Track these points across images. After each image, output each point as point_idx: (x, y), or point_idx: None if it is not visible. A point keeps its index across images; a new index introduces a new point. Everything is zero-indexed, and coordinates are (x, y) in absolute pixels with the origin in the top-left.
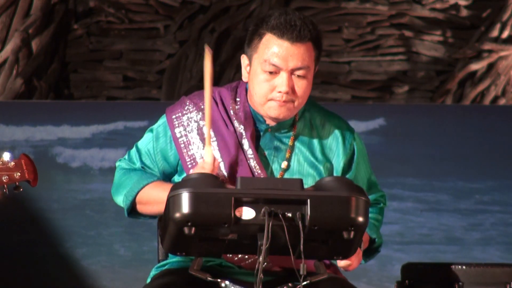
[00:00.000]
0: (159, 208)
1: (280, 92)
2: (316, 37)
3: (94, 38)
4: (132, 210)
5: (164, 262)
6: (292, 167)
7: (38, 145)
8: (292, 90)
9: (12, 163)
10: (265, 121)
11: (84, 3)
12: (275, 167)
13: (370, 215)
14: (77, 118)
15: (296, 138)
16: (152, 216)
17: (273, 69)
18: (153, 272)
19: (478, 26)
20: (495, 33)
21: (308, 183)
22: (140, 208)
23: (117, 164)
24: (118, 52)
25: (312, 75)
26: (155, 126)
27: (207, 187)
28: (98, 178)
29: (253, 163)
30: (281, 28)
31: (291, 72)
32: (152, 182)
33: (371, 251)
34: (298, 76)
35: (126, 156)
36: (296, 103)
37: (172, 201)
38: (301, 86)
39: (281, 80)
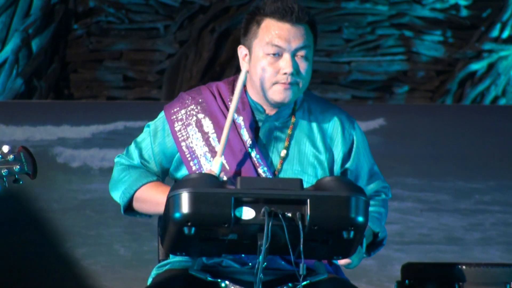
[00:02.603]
0: (155, 208)
1: (285, 73)
2: (312, 20)
3: (94, 38)
4: (129, 207)
5: (165, 262)
6: (292, 156)
7: (38, 145)
8: (296, 72)
9: (11, 156)
10: (264, 110)
11: (84, 3)
12: (274, 156)
13: (371, 208)
14: (77, 118)
15: (295, 127)
16: (148, 215)
17: (276, 51)
18: (154, 272)
19: (478, 26)
20: (495, 33)
21: (308, 172)
22: (137, 205)
23: (116, 160)
24: (118, 52)
25: (312, 57)
26: (152, 122)
27: (207, 187)
28: (98, 178)
29: (253, 153)
30: (280, 12)
31: (294, 53)
32: (151, 182)
33: (375, 245)
34: (301, 57)
35: (124, 152)
36: (300, 85)
37: (172, 201)
38: (304, 67)
39: (285, 62)
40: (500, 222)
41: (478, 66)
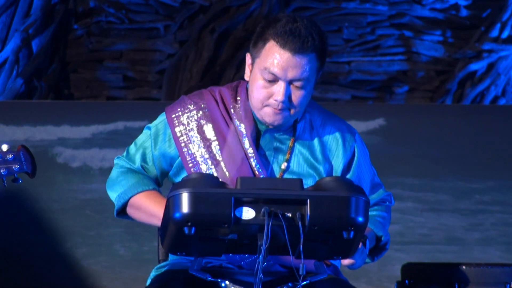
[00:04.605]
0: (148, 219)
1: (276, 100)
2: (320, 48)
3: (94, 38)
4: (122, 210)
5: (164, 263)
6: (292, 169)
7: (38, 145)
8: (289, 99)
9: (11, 155)
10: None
11: (84, 3)
12: (274, 167)
13: (374, 212)
14: (77, 118)
15: (296, 139)
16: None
17: (272, 78)
18: (153, 273)
19: (478, 26)
20: (495, 33)
21: (308, 184)
22: (130, 211)
23: (116, 161)
24: (118, 52)
25: (313, 85)
26: (153, 124)
27: (207, 187)
28: (98, 178)
29: (253, 162)
30: (285, 38)
31: (290, 82)
32: (148, 191)
33: (379, 249)
34: (296, 86)
35: (125, 154)
36: (292, 112)
37: (172, 201)
38: (298, 96)
39: (279, 89)
40: (500, 222)
41: (478, 66)
